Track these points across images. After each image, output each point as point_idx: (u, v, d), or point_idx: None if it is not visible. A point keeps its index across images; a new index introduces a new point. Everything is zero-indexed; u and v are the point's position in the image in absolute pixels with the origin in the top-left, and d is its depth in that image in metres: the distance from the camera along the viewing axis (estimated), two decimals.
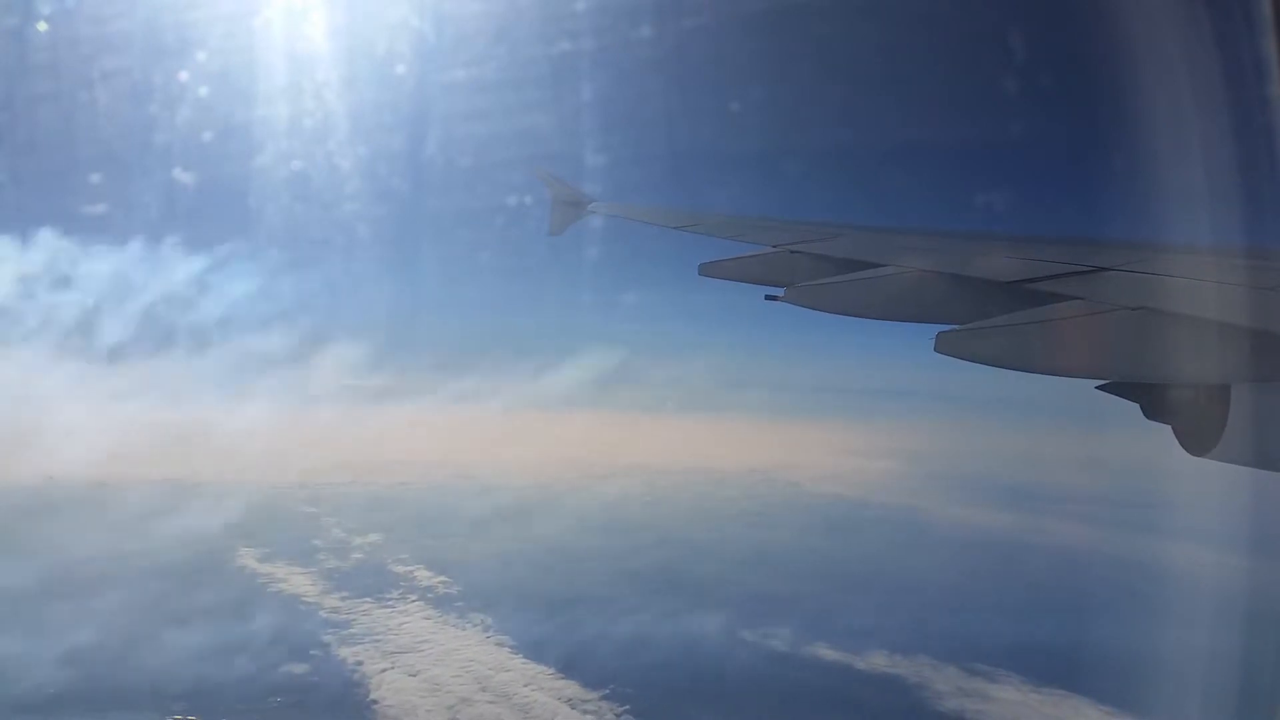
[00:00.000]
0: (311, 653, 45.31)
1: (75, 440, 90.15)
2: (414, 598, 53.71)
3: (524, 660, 45.58)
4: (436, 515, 71.74)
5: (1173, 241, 7.73)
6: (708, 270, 8.29)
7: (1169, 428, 5.24)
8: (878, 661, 46.87)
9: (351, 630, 48.34)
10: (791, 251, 8.11)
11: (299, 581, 55.30)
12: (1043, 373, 5.26)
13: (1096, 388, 5.58)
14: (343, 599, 52.68)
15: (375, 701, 41.02)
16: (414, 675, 43.56)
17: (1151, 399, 5.38)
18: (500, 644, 47.49)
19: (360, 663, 44.63)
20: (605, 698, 41.72)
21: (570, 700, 41.71)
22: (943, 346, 5.38)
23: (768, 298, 7.23)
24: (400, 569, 58.40)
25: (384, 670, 43.90)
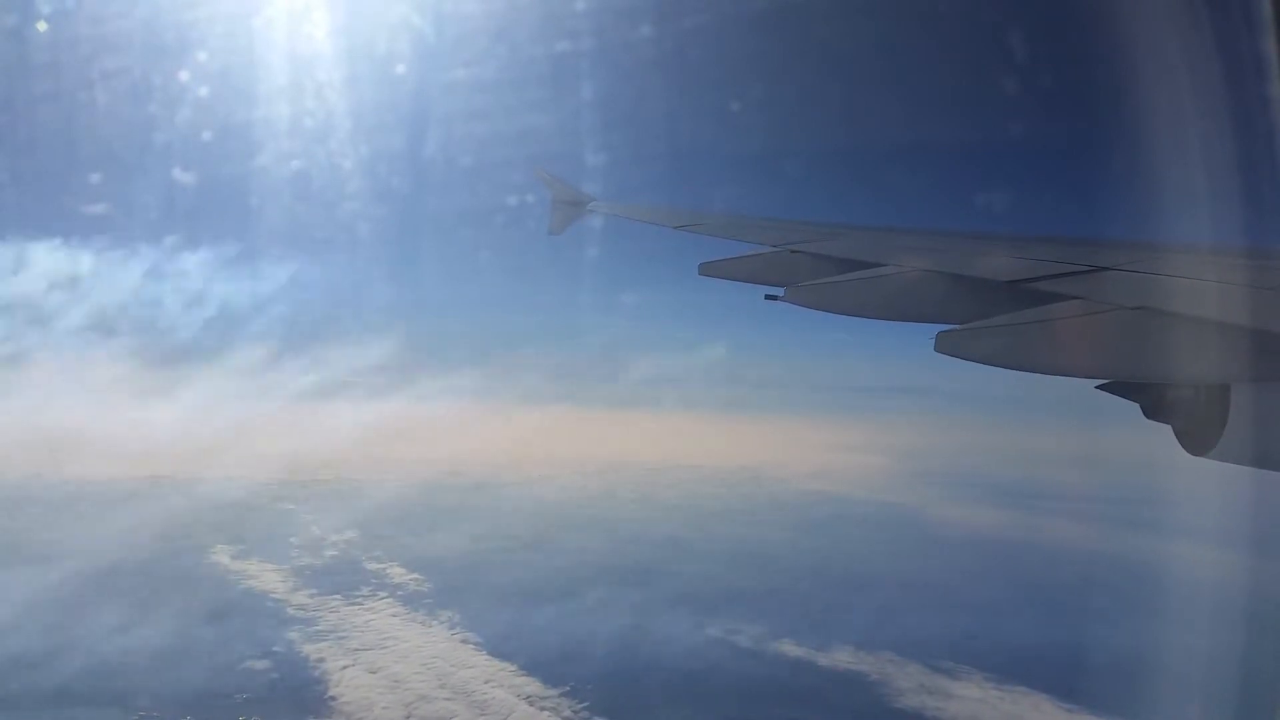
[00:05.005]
0: (274, 649, 45.01)
1: (57, 436, 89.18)
2: (384, 595, 53.45)
3: (488, 657, 45.46)
4: (417, 512, 71.49)
5: (1173, 241, 7.76)
6: (708, 270, 8.24)
7: (1169, 428, 5.21)
8: (842, 658, 47.08)
9: (317, 627, 48.06)
10: (791, 251, 8.09)
11: (270, 578, 54.89)
12: (1043, 372, 5.20)
13: (1096, 388, 5.56)
14: (311, 596, 52.37)
15: (334, 698, 40.77)
16: (375, 672, 43.35)
17: (1151, 399, 5.34)
18: (466, 641, 47.35)
19: (322, 660, 44.34)
20: (565, 694, 41.68)
21: (530, 697, 41.61)
22: (942, 346, 5.33)
23: (768, 297, 7.18)
24: (374, 566, 58.16)
25: (345, 667, 43.65)
